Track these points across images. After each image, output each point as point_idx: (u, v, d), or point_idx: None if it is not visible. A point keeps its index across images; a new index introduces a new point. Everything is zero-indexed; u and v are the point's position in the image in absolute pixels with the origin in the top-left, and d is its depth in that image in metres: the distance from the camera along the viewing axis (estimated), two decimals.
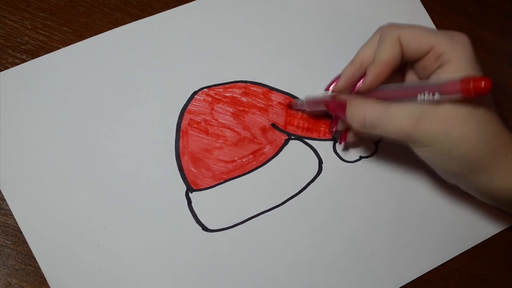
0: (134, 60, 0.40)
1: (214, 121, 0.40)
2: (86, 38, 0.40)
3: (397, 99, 0.33)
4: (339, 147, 0.41)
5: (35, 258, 0.36)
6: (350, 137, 0.39)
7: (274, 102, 0.41)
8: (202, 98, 0.40)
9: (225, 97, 0.41)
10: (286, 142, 0.40)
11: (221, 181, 0.39)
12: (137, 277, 0.36)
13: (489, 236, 0.40)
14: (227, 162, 0.39)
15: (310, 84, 0.42)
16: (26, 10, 0.40)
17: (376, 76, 0.34)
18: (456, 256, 0.40)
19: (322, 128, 0.41)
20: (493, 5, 0.48)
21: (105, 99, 0.39)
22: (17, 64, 0.39)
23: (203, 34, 0.41)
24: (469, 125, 0.32)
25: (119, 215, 0.37)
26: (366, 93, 0.35)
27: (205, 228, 0.38)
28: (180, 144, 0.39)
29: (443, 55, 0.32)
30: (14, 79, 0.38)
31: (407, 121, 0.32)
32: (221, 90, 0.41)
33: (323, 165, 0.40)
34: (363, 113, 0.34)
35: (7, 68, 0.38)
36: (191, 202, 0.38)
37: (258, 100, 0.41)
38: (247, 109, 0.41)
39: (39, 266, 0.35)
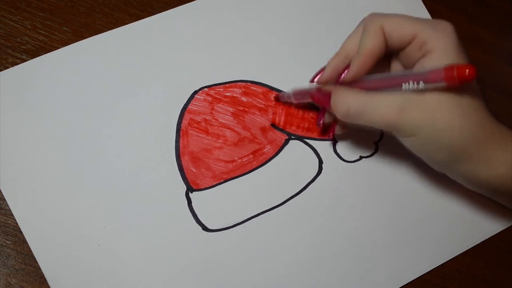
0: (134, 60, 0.40)
1: (214, 120, 0.40)
2: (86, 38, 0.40)
3: (382, 89, 0.33)
4: (339, 147, 0.41)
5: (35, 258, 0.36)
6: (338, 129, 0.39)
7: (274, 102, 0.41)
8: (203, 97, 0.40)
9: (225, 96, 0.41)
10: (286, 142, 0.40)
11: (221, 181, 0.39)
12: (137, 277, 0.36)
13: (489, 236, 0.40)
14: (227, 162, 0.39)
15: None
16: (26, 10, 0.40)
17: (359, 66, 0.34)
18: (456, 256, 0.40)
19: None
20: (493, 5, 0.48)
21: (105, 99, 0.39)
22: (17, 64, 0.39)
23: (203, 34, 0.41)
24: (453, 114, 0.32)
25: (119, 215, 0.37)
26: (351, 84, 0.35)
27: (205, 228, 0.38)
28: (180, 144, 0.39)
29: (426, 43, 0.32)
30: (14, 79, 0.38)
31: (391, 110, 0.32)
32: (221, 89, 0.41)
33: (323, 165, 0.40)
34: (347, 102, 0.34)
35: (7, 68, 0.38)
36: (191, 202, 0.38)
37: (258, 100, 0.41)
38: (247, 109, 0.41)
39: (39, 266, 0.35)
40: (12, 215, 0.36)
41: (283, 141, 0.40)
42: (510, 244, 0.41)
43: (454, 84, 0.29)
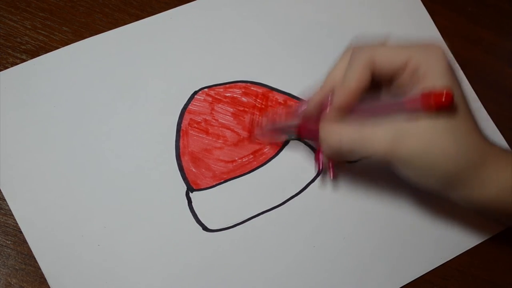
0: (134, 60, 0.40)
1: (214, 121, 0.40)
2: (86, 38, 0.40)
3: (367, 117, 0.32)
4: None
5: (35, 258, 0.35)
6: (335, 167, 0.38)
7: (274, 102, 0.41)
8: (203, 98, 0.40)
9: (225, 97, 0.41)
10: (286, 142, 0.40)
11: (222, 181, 0.39)
12: (137, 276, 0.36)
13: (489, 236, 0.40)
14: (227, 162, 0.39)
15: (311, 84, 0.42)
16: (26, 10, 0.40)
17: (343, 104, 0.32)
18: (456, 256, 0.40)
19: None
20: (493, 5, 0.48)
21: (105, 99, 0.39)
22: (17, 64, 0.39)
23: (203, 34, 0.41)
24: (448, 141, 0.31)
25: (119, 215, 0.37)
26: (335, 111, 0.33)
27: (205, 228, 0.38)
28: (181, 144, 0.39)
29: (419, 69, 0.31)
30: (14, 79, 0.38)
31: (385, 143, 0.31)
32: (221, 90, 0.41)
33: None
34: (338, 137, 0.33)
35: (7, 68, 0.38)
36: (191, 202, 0.38)
37: (258, 100, 0.41)
38: (247, 109, 0.41)
39: (39, 266, 0.35)
40: (12, 215, 0.36)
41: (283, 141, 0.40)
42: (510, 244, 0.41)
43: (431, 111, 0.29)
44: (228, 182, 0.39)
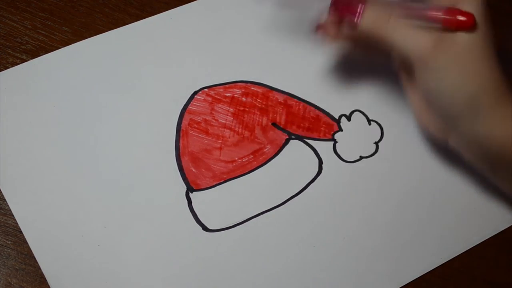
0: (134, 60, 0.40)
1: (214, 121, 0.40)
2: (86, 38, 0.40)
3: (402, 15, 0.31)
4: (339, 147, 0.41)
5: (35, 258, 0.35)
6: (332, 32, 0.36)
7: (274, 102, 0.41)
8: (202, 98, 0.40)
9: (225, 97, 0.41)
10: (286, 142, 0.40)
11: (222, 181, 0.39)
12: (137, 277, 0.36)
13: (489, 236, 0.40)
14: (228, 162, 0.39)
15: (311, 84, 0.42)
16: (26, 10, 0.40)
17: None
18: (456, 256, 0.40)
19: (323, 128, 0.41)
20: (493, 5, 0.48)
21: (105, 99, 0.39)
22: (17, 64, 0.39)
23: (203, 34, 0.41)
24: (483, 60, 0.30)
25: (119, 215, 0.37)
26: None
27: (205, 228, 0.38)
28: (180, 144, 0.39)
29: None
30: (14, 79, 0.38)
31: (428, 43, 0.30)
32: (221, 90, 0.41)
33: (323, 165, 0.40)
34: (387, 15, 0.31)
35: (7, 68, 0.38)
36: (191, 202, 0.38)
37: (258, 100, 0.41)
38: (247, 109, 0.41)
39: (39, 266, 0.35)
40: (12, 215, 0.36)
41: (283, 141, 0.40)
42: (510, 244, 0.41)
43: (450, 27, 0.28)
44: (228, 182, 0.39)
